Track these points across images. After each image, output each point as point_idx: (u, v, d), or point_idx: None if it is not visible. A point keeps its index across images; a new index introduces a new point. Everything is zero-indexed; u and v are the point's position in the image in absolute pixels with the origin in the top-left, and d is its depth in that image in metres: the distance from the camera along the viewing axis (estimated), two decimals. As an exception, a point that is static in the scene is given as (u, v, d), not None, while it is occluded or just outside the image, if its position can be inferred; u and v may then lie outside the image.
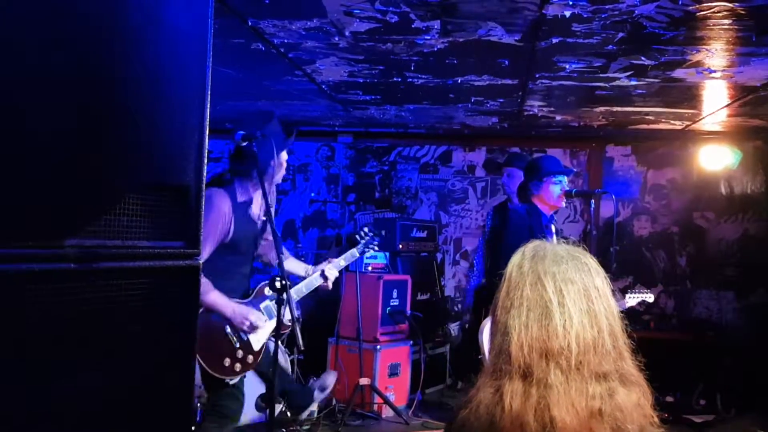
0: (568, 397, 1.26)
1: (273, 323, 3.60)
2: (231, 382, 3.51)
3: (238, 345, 3.50)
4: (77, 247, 1.50)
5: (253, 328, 3.50)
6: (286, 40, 4.08)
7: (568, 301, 1.33)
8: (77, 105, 1.52)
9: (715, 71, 4.30)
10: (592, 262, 1.42)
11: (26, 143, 1.39)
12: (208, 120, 1.90)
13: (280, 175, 3.76)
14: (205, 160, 1.88)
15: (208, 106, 1.90)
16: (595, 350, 1.31)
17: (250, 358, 3.55)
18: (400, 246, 6.58)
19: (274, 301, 3.52)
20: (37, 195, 1.42)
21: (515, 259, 1.45)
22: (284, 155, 3.74)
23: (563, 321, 1.31)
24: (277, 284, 3.04)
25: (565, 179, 3.98)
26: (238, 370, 3.50)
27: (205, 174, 1.88)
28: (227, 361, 3.45)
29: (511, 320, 1.35)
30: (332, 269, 3.96)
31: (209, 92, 1.91)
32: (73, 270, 1.50)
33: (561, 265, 1.38)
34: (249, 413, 5.17)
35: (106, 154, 1.61)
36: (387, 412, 5.80)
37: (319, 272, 3.92)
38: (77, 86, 1.52)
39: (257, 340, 3.59)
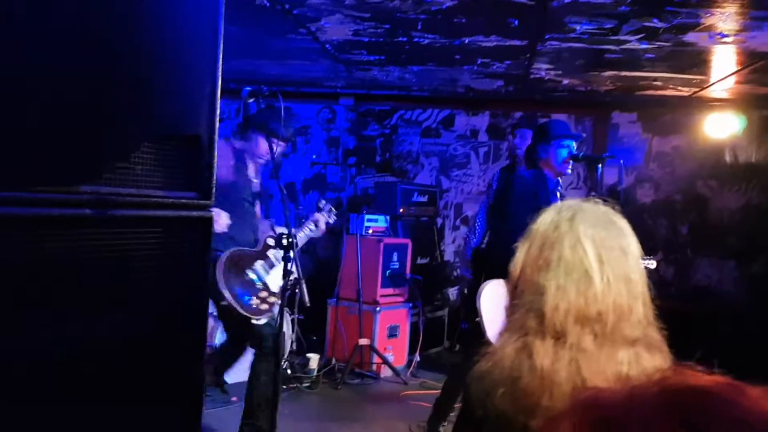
0: (598, 361, 1.26)
1: (278, 270, 3.81)
2: (258, 322, 3.72)
3: (261, 287, 3.73)
4: (94, 194, 1.48)
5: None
6: (292, -4, 4.00)
7: (608, 268, 1.31)
8: (94, 55, 1.49)
9: (727, 35, 4.24)
10: (626, 226, 1.40)
11: (46, 91, 1.37)
12: (220, 71, 1.86)
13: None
14: (218, 111, 1.85)
15: (221, 56, 1.86)
16: (629, 318, 1.30)
17: (273, 298, 3.76)
18: (401, 210, 6.57)
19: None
20: (55, 141, 1.40)
21: (549, 217, 1.41)
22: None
23: (602, 287, 1.29)
24: (284, 241, 3.03)
25: (573, 144, 3.93)
26: (264, 309, 3.71)
27: (217, 125, 1.85)
28: (254, 301, 3.68)
29: (545, 280, 1.32)
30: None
31: (221, 43, 1.87)
32: (90, 216, 1.48)
33: (600, 229, 1.35)
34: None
35: (122, 103, 1.59)
36: (385, 372, 5.85)
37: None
38: (94, 36, 1.50)
39: (274, 283, 3.80)
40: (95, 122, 1.50)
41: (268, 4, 4.19)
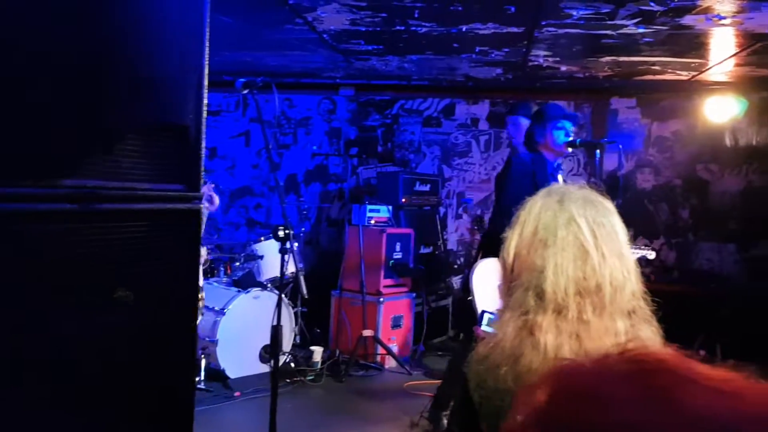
0: (598, 332, 1.32)
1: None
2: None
3: None
4: (77, 188, 1.47)
5: None
6: (286, -14, 3.98)
7: (602, 243, 1.38)
8: (76, 45, 1.48)
9: (724, 17, 4.20)
10: (611, 206, 1.47)
11: (28, 84, 1.36)
12: (207, 61, 1.85)
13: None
14: (205, 102, 1.84)
15: (207, 46, 1.85)
16: (624, 289, 1.37)
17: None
18: (403, 200, 6.55)
19: None
20: (36, 134, 1.39)
21: (540, 201, 1.47)
22: None
23: (599, 260, 1.36)
24: (281, 233, 3.02)
25: (569, 125, 3.91)
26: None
27: (204, 116, 1.84)
28: None
29: (542, 259, 1.38)
30: None
31: (207, 33, 1.86)
32: (75, 211, 1.48)
33: (590, 208, 1.42)
34: (254, 365, 5.23)
35: (105, 94, 1.58)
36: (390, 363, 5.85)
37: None
38: (76, 27, 1.49)
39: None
40: (78, 115, 1.49)
41: (262, -5, 4.17)
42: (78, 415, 1.56)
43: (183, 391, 1.86)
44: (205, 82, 1.83)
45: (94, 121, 1.55)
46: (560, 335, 1.31)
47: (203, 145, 1.82)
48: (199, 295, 3.54)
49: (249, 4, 4.39)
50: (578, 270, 1.34)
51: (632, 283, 1.38)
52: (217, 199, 4.05)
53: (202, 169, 1.82)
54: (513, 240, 1.44)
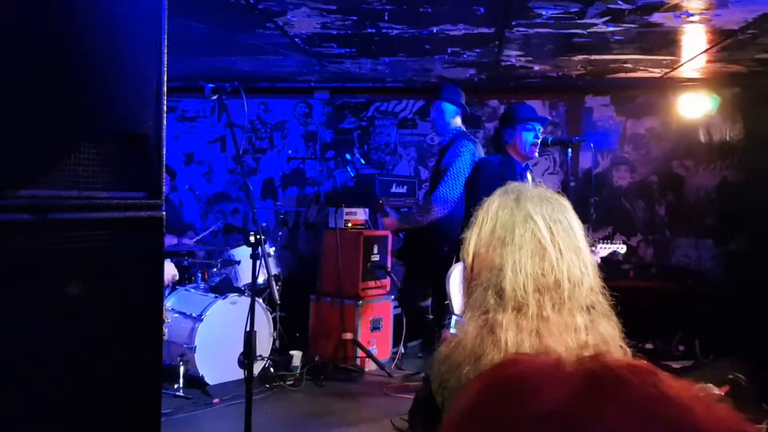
0: (558, 328, 1.32)
1: None
2: None
3: None
4: (31, 198, 1.45)
5: None
6: (254, -10, 3.96)
7: (559, 239, 1.39)
8: (29, 52, 1.46)
9: (692, 14, 4.24)
10: (567, 202, 1.49)
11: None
12: (165, 67, 1.84)
13: None
14: (164, 108, 1.82)
15: (165, 53, 1.84)
16: (582, 285, 1.38)
17: None
18: (380, 201, 6.53)
19: None
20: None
21: (498, 200, 1.48)
22: None
23: (556, 256, 1.36)
24: (252, 239, 3.00)
25: (539, 127, 3.92)
26: None
27: (164, 122, 1.82)
28: None
29: (501, 257, 1.38)
30: None
31: (165, 39, 1.84)
32: (29, 221, 1.45)
33: (546, 205, 1.43)
34: (232, 371, 5.19)
35: (60, 101, 1.56)
36: (370, 366, 5.83)
37: None
38: (29, 33, 1.46)
39: None
40: (33, 124, 1.47)
41: (231, 0, 4.15)
42: (41, 425, 1.53)
43: (149, 401, 1.83)
44: (164, 89, 1.81)
45: (50, 130, 1.53)
46: (521, 333, 1.31)
47: (164, 152, 1.80)
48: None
49: (220, 10, 4.36)
50: (536, 267, 1.35)
51: (590, 278, 1.39)
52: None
53: (164, 176, 1.81)
54: (472, 239, 1.45)
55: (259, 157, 7.78)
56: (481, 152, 4.86)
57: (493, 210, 1.45)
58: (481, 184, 3.88)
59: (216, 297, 5.22)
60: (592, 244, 4.50)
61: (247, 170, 7.81)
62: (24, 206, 1.44)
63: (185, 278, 5.68)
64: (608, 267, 4.81)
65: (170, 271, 3.40)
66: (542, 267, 1.35)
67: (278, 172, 7.79)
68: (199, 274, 5.85)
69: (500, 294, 1.36)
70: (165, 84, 1.82)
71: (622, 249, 4.31)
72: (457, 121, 5.04)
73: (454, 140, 4.90)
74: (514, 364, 0.65)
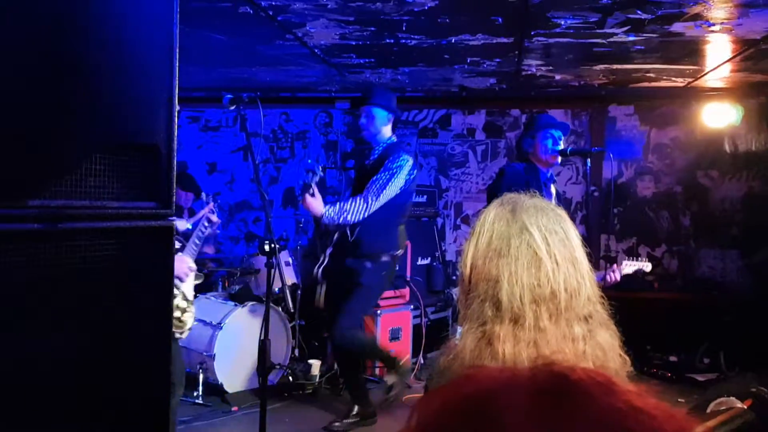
0: (556, 339, 1.32)
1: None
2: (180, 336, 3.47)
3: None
4: (42, 207, 1.47)
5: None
6: (273, 2, 4.00)
7: (554, 250, 1.38)
8: (41, 63, 1.49)
9: (714, 24, 4.20)
10: (563, 213, 1.48)
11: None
12: (177, 79, 1.86)
13: None
14: (176, 119, 1.84)
15: (177, 64, 1.86)
16: (579, 295, 1.37)
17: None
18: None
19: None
20: (0, 154, 1.39)
21: (494, 211, 1.48)
22: None
23: (552, 267, 1.36)
24: (266, 247, 3.02)
25: (558, 134, 3.90)
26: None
27: (175, 133, 1.84)
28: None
29: (497, 269, 1.38)
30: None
31: (177, 50, 1.86)
32: (39, 231, 1.47)
33: (542, 216, 1.43)
34: (251, 379, 5.21)
35: (71, 112, 1.58)
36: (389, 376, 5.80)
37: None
38: (40, 44, 1.49)
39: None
40: (42, 133, 1.49)
41: (251, 12, 4.19)
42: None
43: (159, 412, 1.85)
44: (176, 100, 1.83)
45: (62, 140, 1.55)
46: (518, 344, 1.31)
47: (174, 162, 1.82)
48: (190, 310, 3.52)
49: (240, 22, 4.41)
50: (532, 278, 1.35)
51: (587, 287, 1.39)
52: (216, 218, 3.94)
53: (174, 186, 1.82)
54: (469, 251, 1.45)
55: (280, 166, 7.83)
56: (412, 163, 4.64)
57: (489, 221, 1.45)
58: (504, 191, 3.87)
59: (235, 305, 5.25)
60: (618, 261, 4.44)
61: (268, 180, 7.86)
62: (34, 216, 1.46)
63: (204, 287, 5.72)
64: (632, 278, 4.77)
65: (182, 267, 3.33)
66: (538, 278, 1.35)
67: (299, 181, 7.83)
68: (220, 282, 5.90)
69: (497, 305, 1.36)
70: (176, 95, 1.84)
71: (647, 267, 4.24)
72: (389, 129, 4.80)
73: (389, 152, 4.66)
74: (473, 380, 0.65)
